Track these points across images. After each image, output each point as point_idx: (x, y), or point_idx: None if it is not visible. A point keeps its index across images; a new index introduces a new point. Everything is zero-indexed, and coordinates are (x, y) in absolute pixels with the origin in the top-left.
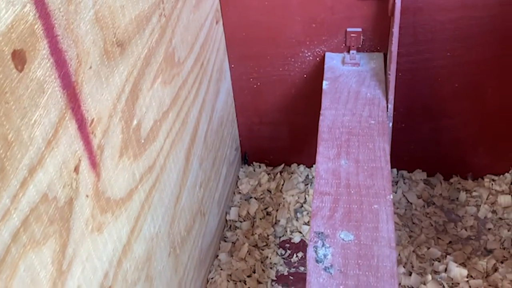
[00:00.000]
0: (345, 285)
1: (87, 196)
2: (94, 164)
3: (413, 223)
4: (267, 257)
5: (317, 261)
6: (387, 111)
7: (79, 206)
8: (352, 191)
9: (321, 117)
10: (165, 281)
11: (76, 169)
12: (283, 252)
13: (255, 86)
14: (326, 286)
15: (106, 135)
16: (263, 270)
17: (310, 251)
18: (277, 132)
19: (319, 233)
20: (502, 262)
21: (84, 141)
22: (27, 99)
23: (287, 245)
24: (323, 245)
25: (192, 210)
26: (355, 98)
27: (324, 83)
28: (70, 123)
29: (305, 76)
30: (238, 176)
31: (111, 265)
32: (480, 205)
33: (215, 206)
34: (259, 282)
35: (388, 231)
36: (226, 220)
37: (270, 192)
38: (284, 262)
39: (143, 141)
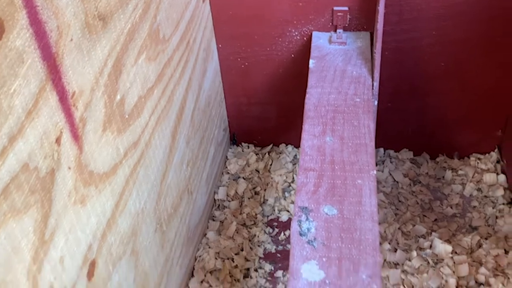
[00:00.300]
0: (327, 258)
1: (69, 168)
2: (76, 137)
3: (399, 201)
4: (255, 235)
5: (300, 235)
6: (373, 89)
7: (61, 178)
8: (336, 167)
9: (307, 96)
10: (152, 257)
11: (58, 141)
12: (271, 230)
13: (242, 66)
14: (309, 259)
15: (89, 108)
16: (251, 248)
17: (294, 225)
18: (265, 112)
19: (303, 208)
20: (486, 239)
21: (66, 113)
22: (6, 68)
23: (275, 223)
24: (307, 219)
25: (179, 188)
26: (341, 77)
27: (311, 61)
28: (50, 95)
29: (292, 55)
30: (226, 157)
31: (95, 238)
32: (465, 184)
33: (203, 185)
34: (246, 260)
35: (371, 205)
36: (214, 199)
37: (258, 172)
38: (271, 240)
39: (127, 116)
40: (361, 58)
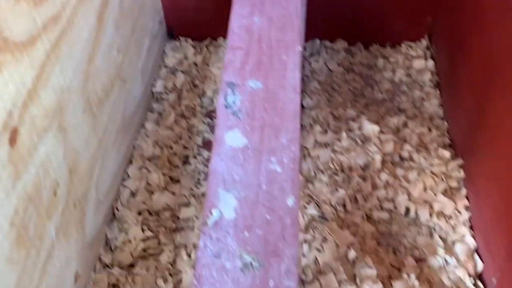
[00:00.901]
0: (251, 126)
1: None
2: None
3: (333, 89)
4: (193, 125)
5: (226, 107)
6: None
7: None
8: (263, 45)
9: None
10: (82, 136)
11: None
12: (210, 121)
13: None
14: (234, 127)
15: None
16: (189, 137)
17: (220, 99)
18: (201, 3)
19: (229, 83)
20: (412, 119)
21: None
22: None
23: (214, 114)
24: (233, 93)
25: (109, 73)
26: None
27: None
28: None
29: None
30: (164, 51)
31: (15, 106)
32: (396, 70)
33: (137, 76)
34: (185, 148)
35: (295, 78)
36: (152, 92)
37: (197, 65)
38: (210, 129)
39: None
40: None
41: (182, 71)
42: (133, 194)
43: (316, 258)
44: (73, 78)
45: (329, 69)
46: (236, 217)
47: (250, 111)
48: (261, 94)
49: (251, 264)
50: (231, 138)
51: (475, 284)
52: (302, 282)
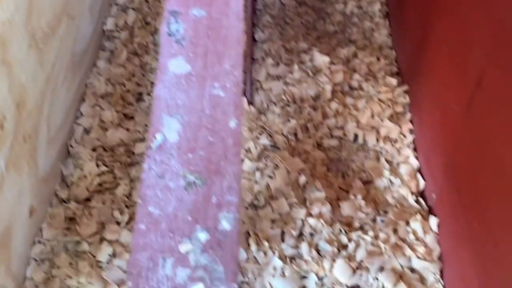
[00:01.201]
0: (194, 53)
1: None
2: None
3: (285, 22)
4: (146, 63)
5: (169, 35)
6: None
7: None
8: None
9: None
10: (29, 72)
11: None
12: None
13: None
14: (177, 55)
15: None
16: (142, 74)
17: (163, 28)
18: None
19: (172, 12)
20: (362, 49)
21: None
22: None
23: None
24: (176, 21)
25: (54, 8)
26: None
27: None
28: None
29: None
30: None
31: None
32: (347, 2)
33: (86, 13)
34: (138, 85)
35: (238, 5)
36: (103, 30)
37: (148, 2)
38: None
39: None
40: None
41: (133, 9)
42: (86, 131)
43: (268, 184)
44: (15, 12)
45: (281, 2)
46: (180, 140)
47: (193, 38)
48: (204, 21)
49: (194, 182)
50: (174, 65)
51: (417, 201)
52: (254, 207)
